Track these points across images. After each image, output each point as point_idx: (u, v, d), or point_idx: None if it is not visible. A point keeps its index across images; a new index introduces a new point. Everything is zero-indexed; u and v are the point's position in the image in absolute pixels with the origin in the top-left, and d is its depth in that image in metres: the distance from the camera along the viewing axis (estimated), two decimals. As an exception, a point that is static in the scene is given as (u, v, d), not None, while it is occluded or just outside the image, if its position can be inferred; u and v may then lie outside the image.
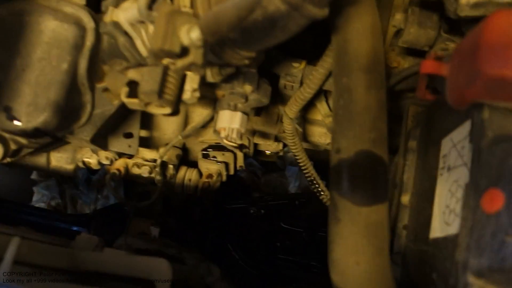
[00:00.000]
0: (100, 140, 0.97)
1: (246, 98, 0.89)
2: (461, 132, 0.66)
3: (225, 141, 0.89)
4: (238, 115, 0.89)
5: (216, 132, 0.93)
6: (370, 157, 0.69)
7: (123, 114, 0.96)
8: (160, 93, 0.72)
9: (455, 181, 0.65)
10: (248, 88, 0.86)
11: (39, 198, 2.30)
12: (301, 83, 1.01)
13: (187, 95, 0.77)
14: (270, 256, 1.63)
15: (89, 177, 2.38)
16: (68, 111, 0.81)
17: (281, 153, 1.60)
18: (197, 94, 0.77)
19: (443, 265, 0.62)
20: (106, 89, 0.84)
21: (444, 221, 0.65)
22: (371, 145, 0.70)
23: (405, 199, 0.88)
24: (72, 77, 0.79)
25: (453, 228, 0.61)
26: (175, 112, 0.78)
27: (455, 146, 0.68)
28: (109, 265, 0.84)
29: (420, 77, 0.64)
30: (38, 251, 0.83)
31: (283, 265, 1.62)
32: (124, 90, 0.74)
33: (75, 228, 1.66)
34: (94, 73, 0.83)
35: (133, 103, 0.75)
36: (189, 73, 0.77)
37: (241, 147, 0.89)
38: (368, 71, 0.75)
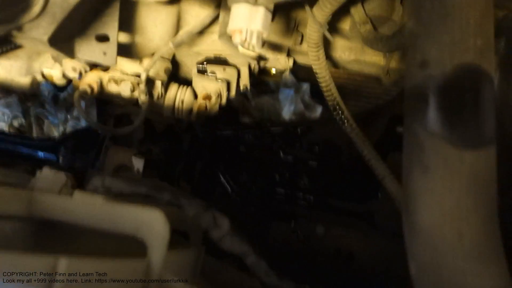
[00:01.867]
0: (63, 43, 0.70)
1: (272, -13, 0.63)
2: None
3: (241, 48, 0.63)
4: (261, 12, 0.63)
5: (226, 36, 0.67)
6: (474, 74, 0.46)
7: (94, 5, 0.69)
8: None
9: None
10: (278, -30, 0.60)
11: (-1, 118, 2.04)
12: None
13: (193, -28, 0.51)
14: (268, 190, 1.46)
15: (56, 94, 2.10)
16: (10, -8, 0.54)
17: (287, 72, 1.36)
18: (209, -29, 0.51)
19: None
20: (68, -38, 0.57)
21: None
22: (476, 56, 0.46)
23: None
24: None
25: None
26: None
27: None
28: (81, 215, 0.62)
29: None
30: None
31: (282, 199, 1.45)
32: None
33: (40, 154, 1.45)
34: None
35: (110, -21, 0.48)
36: None
37: (259, 58, 0.64)
38: None
